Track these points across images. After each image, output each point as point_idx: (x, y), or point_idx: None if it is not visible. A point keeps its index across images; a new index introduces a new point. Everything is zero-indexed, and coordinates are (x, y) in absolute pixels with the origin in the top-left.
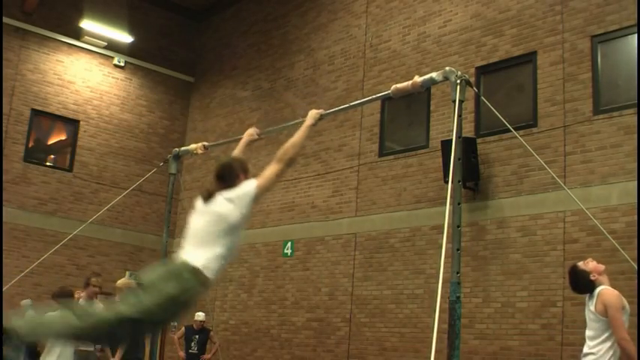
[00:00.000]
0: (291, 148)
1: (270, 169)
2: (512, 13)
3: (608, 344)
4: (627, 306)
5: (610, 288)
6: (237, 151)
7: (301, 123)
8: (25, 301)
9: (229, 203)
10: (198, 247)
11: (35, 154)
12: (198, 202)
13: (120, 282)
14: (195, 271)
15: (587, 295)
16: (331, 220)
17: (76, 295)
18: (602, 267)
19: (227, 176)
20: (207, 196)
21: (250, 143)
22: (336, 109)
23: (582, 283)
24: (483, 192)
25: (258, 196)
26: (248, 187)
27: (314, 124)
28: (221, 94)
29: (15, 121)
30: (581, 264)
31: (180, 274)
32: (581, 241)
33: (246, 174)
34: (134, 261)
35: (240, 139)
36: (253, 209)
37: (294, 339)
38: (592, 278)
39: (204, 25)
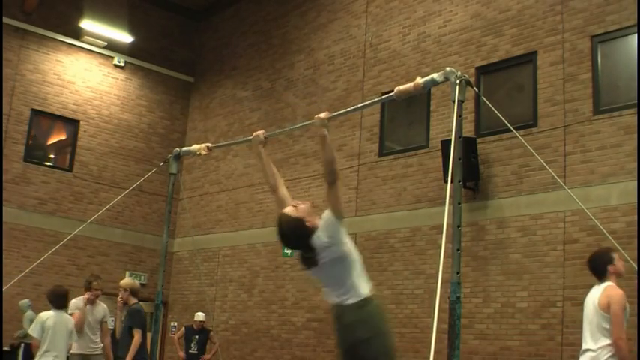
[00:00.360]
0: (328, 166)
1: (329, 195)
2: (512, 13)
3: (607, 340)
4: (628, 307)
5: (616, 286)
6: (264, 163)
7: (306, 124)
8: (23, 301)
9: (329, 247)
10: (344, 287)
11: (35, 154)
12: (307, 268)
13: (123, 282)
14: (364, 303)
15: (593, 288)
16: None
17: (86, 296)
18: (622, 271)
19: (301, 242)
20: (310, 262)
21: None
22: (341, 111)
23: (599, 265)
24: (483, 192)
25: (341, 218)
26: (328, 221)
27: (327, 131)
28: (221, 94)
29: (15, 121)
30: (615, 255)
31: (363, 317)
32: (581, 241)
33: (309, 216)
34: (134, 261)
35: (244, 141)
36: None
37: (294, 339)
38: (610, 269)
39: (204, 25)
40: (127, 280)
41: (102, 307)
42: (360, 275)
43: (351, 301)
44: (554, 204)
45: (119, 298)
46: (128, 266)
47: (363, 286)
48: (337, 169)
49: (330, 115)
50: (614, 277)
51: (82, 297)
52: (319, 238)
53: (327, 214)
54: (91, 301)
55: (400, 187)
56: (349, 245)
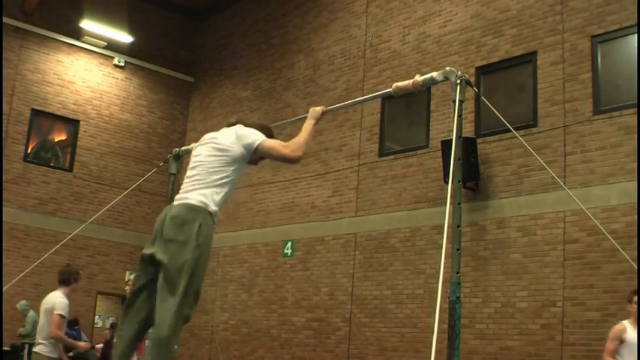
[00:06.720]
0: (298, 146)
1: (281, 143)
2: (512, 13)
3: None
4: None
5: None
6: None
7: (303, 119)
8: (21, 303)
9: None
10: (206, 180)
11: (35, 154)
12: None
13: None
14: (202, 211)
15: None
16: (331, 220)
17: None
18: None
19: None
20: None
21: None
22: (337, 105)
23: None
24: (483, 192)
25: (256, 151)
26: (252, 138)
27: (316, 123)
28: (221, 94)
29: (15, 121)
30: None
31: (191, 220)
32: (581, 241)
33: (265, 132)
34: (134, 261)
35: None
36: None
37: (294, 339)
38: None
39: (204, 25)
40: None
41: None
42: (221, 188)
43: (193, 201)
44: (554, 204)
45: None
46: (128, 266)
47: (215, 199)
48: (301, 150)
49: (325, 109)
50: None
51: None
52: (236, 130)
53: (262, 135)
54: None
55: (400, 187)
56: (241, 159)
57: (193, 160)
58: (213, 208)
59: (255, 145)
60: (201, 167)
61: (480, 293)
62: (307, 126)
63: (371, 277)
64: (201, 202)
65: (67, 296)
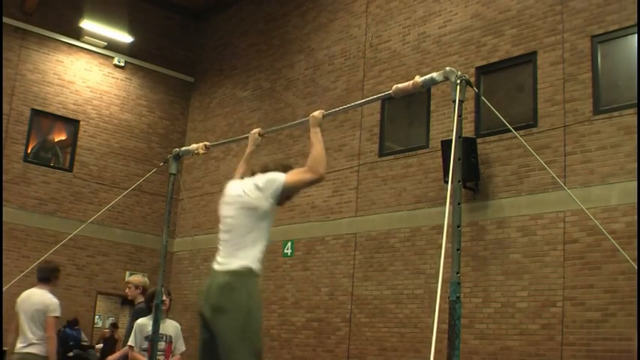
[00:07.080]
0: (312, 160)
1: (299, 170)
2: (512, 13)
3: None
4: None
5: None
6: (244, 159)
7: (303, 122)
8: None
9: (256, 193)
10: (242, 240)
11: (35, 154)
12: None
13: (133, 278)
14: (246, 273)
15: None
16: (331, 220)
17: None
18: None
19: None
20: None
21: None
22: (338, 109)
23: None
24: (483, 192)
25: (285, 189)
26: (275, 179)
27: (319, 129)
28: (221, 94)
29: (15, 121)
30: None
31: (237, 286)
32: (581, 241)
33: (285, 170)
34: (134, 261)
35: (241, 138)
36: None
37: (294, 339)
38: None
39: (204, 25)
40: (138, 278)
41: (170, 324)
42: (259, 243)
43: (236, 266)
44: (554, 204)
45: (128, 292)
46: (128, 266)
47: (256, 256)
48: (321, 166)
49: (325, 113)
50: None
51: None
52: (256, 182)
53: (281, 175)
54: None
55: (400, 187)
56: (271, 211)
57: (224, 222)
58: (256, 266)
59: (280, 189)
60: (235, 231)
61: (480, 293)
62: (315, 137)
63: (371, 277)
64: (245, 266)
65: (53, 294)
